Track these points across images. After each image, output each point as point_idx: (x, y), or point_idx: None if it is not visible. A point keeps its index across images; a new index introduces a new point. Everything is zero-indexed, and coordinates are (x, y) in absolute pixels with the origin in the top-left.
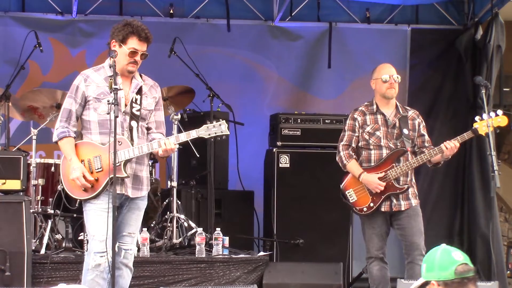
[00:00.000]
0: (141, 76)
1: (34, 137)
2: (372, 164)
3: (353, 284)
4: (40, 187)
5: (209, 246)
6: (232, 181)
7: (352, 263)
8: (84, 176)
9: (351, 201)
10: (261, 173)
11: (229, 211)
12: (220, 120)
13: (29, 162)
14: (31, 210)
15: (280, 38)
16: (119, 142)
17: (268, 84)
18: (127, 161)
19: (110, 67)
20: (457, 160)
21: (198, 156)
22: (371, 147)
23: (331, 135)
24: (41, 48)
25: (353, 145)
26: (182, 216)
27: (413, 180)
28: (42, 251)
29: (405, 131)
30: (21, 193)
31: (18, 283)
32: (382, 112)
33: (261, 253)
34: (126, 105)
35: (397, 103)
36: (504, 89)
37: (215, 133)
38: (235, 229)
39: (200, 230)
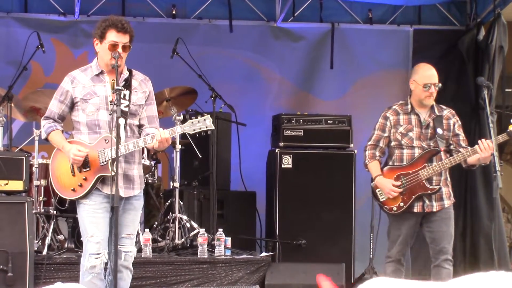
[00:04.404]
0: (131, 71)
1: (37, 137)
2: (404, 163)
3: (355, 285)
4: (42, 187)
5: (211, 247)
6: (235, 182)
7: (355, 263)
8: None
9: (381, 200)
10: (263, 173)
11: (232, 212)
12: (205, 114)
13: (31, 162)
14: (34, 211)
15: (282, 39)
16: (106, 140)
17: (270, 85)
18: (115, 160)
19: (97, 66)
20: None
21: (201, 156)
22: (404, 147)
23: (334, 136)
24: (43, 49)
25: (381, 145)
26: (185, 217)
27: (448, 179)
28: (44, 251)
29: (439, 130)
30: (24, 194)
31: (20, 284)
32: (417, 113)
33: (263, 254)
34: (112, 102)
35: (433, 103)
36: (507, 90)
37: (200, 128)
38: (237, 230)
39: (202, 230)
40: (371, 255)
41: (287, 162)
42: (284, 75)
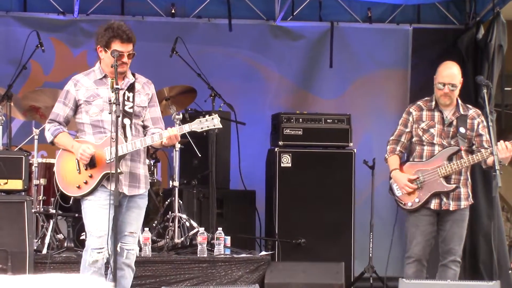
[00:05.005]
0: (134, 75)
1: (36, 137)
2: (424, 159)
3: (354, 284)
4: (42, 187)
5: (210, 246)
6: (234, 181)
7: (354, 262)
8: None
9: (397, 195)
10: (262, 172)
11: (231, 211)
12: (213, 114)
13: (31, 162)
14: (33, 210)
15: (281, 37)
16: (113, 138)
17: (269, 83)
18: (121, 158)
19: (100, 71)
20: None
21: (200, 155)
22: (424, 143)
23: (333, 135)
24: (42, 48)
25: (403, 140)
26: (184, 216)
27: (469, 180)
28: (44, 251)
29: (462, 129)
30: (23, 193)
31: None
32: (440, 110)
33: (263, 253)
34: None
35: (459, 101)
36: (506, 89)
37: (208, 127)
38: (236, 229)
39: (201, 229)
40: (370, 254)
41: (286, 161)
42: (284, 74)
